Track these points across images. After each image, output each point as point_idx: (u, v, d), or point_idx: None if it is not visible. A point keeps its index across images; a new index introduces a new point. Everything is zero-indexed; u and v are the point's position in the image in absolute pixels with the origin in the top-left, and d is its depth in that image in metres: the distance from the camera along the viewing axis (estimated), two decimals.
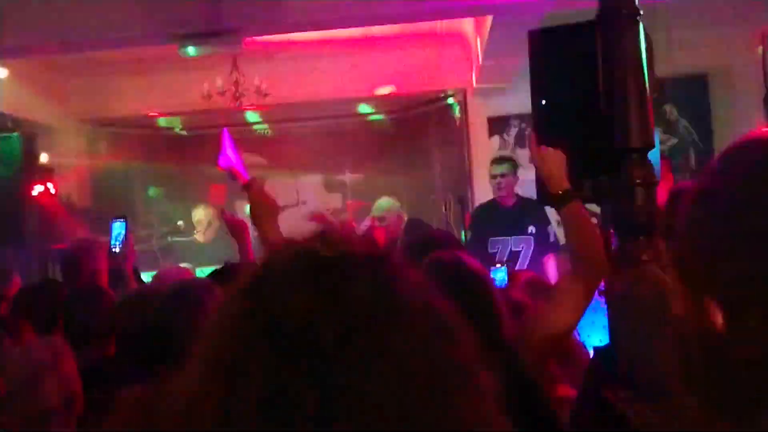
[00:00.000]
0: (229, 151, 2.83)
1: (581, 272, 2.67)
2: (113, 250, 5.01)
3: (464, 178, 9.95)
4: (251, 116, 10.00)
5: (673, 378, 1.84)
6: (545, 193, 3.50)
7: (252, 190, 2.73)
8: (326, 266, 0.90)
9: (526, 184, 6.30)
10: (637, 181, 2.03)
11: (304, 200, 10.76)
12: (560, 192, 2.82)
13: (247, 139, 10.60)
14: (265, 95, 8.33)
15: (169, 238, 10.04)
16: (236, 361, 0.85)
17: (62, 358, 2.65)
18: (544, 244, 6.41)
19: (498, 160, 7.40)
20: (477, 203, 9.49)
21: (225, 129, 2.88)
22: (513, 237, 6.44)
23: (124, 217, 5.11)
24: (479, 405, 0.89)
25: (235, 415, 0.82)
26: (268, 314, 0.87)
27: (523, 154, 9.41)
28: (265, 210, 2.68)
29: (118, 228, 5.05)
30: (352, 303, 0.87)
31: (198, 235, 10.22)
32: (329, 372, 0.83)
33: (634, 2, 2.24)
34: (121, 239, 5.00)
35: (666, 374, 1.87)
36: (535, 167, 3.13)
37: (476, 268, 2.69)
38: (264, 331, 0.86)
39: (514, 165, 6.97)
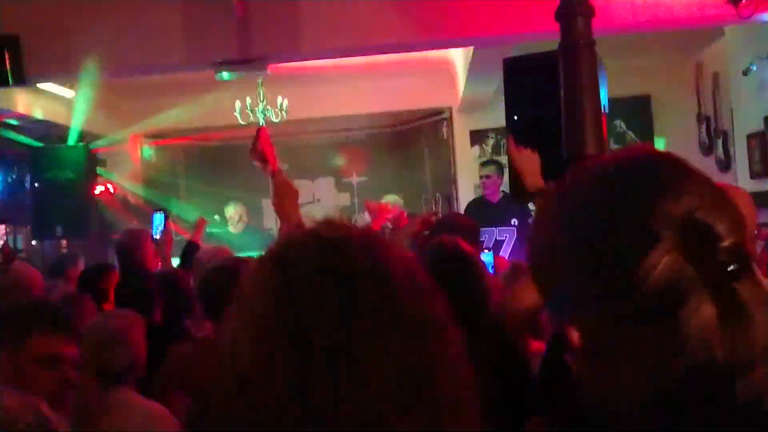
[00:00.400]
0: (265, 144, 2.83)
1: None
2: (154, 237, 5.04)
3: (450, 180, 10.00)
4: (275, 129, 10.01)
5: None
6: (518, 189, 3.55)
7: (277, 177, 2.71)
8: (328, 244, 0.95)
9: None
10: None
11: (319, 198, 10.77)
12: (537, 189, 2.85)
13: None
14: (286, 111, 8.37)
15: (207, 230, 10.06)
16: (264, 315, 0.91)
17: (134, 327, 2.66)
18: (525, 234, 6.49)
19: (485, 163, 7.55)
20: (460, 201, 9.54)
21: (263, 127, 2.87)
22: (498, 228, 6.54)
23: (163, 209, 5.10)
24: (449, 350, 0.93)
25: (263, 359, 0.88)
26: (286, 280, 0.92)
27: (498, 161, 9.48)
28: (287, 192, 2.65)
29: (158, 219, 5.05)
30: (349, 272, 0.91)
31: (230, 228, 10.26)
32: (334, 325, 0.88)
33: (590, 35, 2.28)
34: (160, 229, 5.00)
35: None
36: (512, 166, 3.15)
37: (469, 251, 2.73)
38: (283, 293, 0.91)
39: (500, 167, 7.08)
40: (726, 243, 0.80)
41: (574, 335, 0.84)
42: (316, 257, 0.93)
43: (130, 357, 2.55)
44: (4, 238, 3.29)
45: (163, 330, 3.40)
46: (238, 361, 0.90)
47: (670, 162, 0.89)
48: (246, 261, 2.88)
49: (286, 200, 2.65)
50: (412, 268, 0.98)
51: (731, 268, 0.79)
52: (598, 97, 2.32)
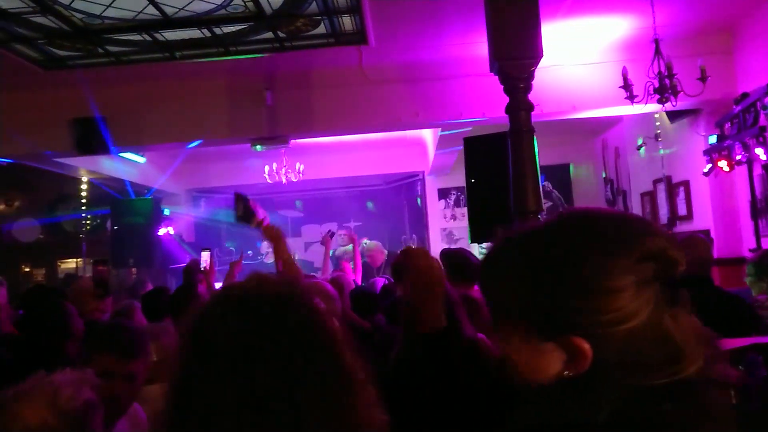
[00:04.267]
0: (257, 207, 2.75)
1: None
2: (202, 269, 5.00)
3: (423, 226, 10.01)
4: (294, 186, 10.05)
5: None
6: (475, 234, 3.54)
7: (264, 225, 2.64)
8: (241, 301, 0.87)
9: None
10: None
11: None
12: None
13: (290, 200, 10.61)
14: (302, 173, 8.39)
15: (245, 261, 9.99)
16: (175, 383, 0.84)
17: (164, 334, 2.40)
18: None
19: None
20: (431, 240, 9.53)
21: (252, 198, 2.77)
22: None
23: (209, 248, 5.07)
24: (358, 397, 0.84)
25: (171, 418, 0.82)
26: (203, 342, 0.85)
27: (459, 212, 9.50)
28: (275, 235, 2.58)
29: (205, 255, 5.02)
30: (260, 322, 0.84)
31: (264, 259, 10.18)
32: (238, 369, 0.80)
33: (530, 123, 2.29)
34: (206, 262, 4.96)
35: None
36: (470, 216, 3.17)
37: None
38: (193, 363, 0.84)
39: None
40: (680, 267, 0.76)
41: (585, 345, 0.74)
42: (227, 323, 0.84)
43: (161, 356, 2.30)
44: (105, 273, 3.20)
45: None
46: (164, 412, 0.84)
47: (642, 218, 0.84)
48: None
49: (275, 241, 2.57)
50: (325, 320, 0.88)
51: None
52: (537, 169, 2.31)
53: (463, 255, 3.06)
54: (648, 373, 0.73)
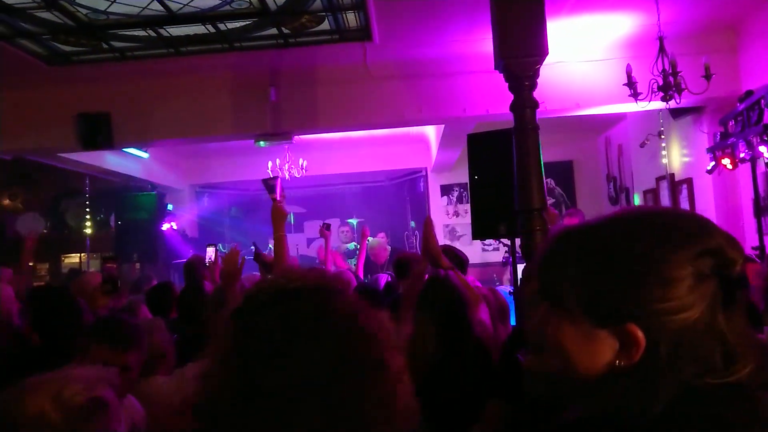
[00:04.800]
0: (279, 185, 2.97)
1: None
2: (207, 263, 5.01)
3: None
4: (297, 182, 10.05)
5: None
6: (477, 230, 3.55)
7: (276, 203, 2.80)
8: (282, 295, 0.88)
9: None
10: (537, 227, 2.06)
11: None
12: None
13: (293, 196, 10.60)
14: (305, 169, 8.40)
15: (246, 257, 9.98)
16: (221, 360, 0.84)
17: (156, 330, 2.50)
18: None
19: None
20: None
21: (279, 178, 3.03)
22: None
23: (214, 244, 5.08)
24: (386, 385, 0.84)
25: (217, 396, 0.82)
26: (243, 328, 0.86)
27: (462, 208, 9.50)
28: (280, 215, 2.74)
29: (210, 250, 5.03)
30: (294, 317, 0.84)
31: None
32: (277, 360, 0.81)
33: (535, 120, 2.30)
34: (211, 258, 4.97)
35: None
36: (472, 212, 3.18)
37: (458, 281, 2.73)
38: (238, 342, 0.85)
39: None
40: (738, 267, 0.77)
41: (639, 333, 0.74)
42: (267, 307, 0.86)
43: (155, 351, 2.39)
44: (114, 270, 3.20)
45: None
46: (203, 391, 0.84)
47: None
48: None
49: (278, 221, 2.73)
50: (356, 312, 0.89)
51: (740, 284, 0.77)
52: (541, 166, 2.32)
53: (451, 249, 3.26)
54: (701, 371, 0.74)
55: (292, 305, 0.86)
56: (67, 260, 10.75)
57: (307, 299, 0.87)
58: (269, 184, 2.98)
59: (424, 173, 10.00)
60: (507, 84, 2.39)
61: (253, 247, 4.00)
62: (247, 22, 4.78)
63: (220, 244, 5.21)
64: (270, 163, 8.38)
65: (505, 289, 5.41)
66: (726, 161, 5.10)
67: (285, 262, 2.73)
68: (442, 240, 9.48)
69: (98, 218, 9.38)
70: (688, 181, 6.38)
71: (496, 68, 2.29)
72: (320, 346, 0.82)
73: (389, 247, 7.00)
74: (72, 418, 1.25)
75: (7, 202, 9.59)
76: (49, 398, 1.25)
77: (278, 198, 2.90)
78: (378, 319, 0.90)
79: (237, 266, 2.65)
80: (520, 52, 2.19)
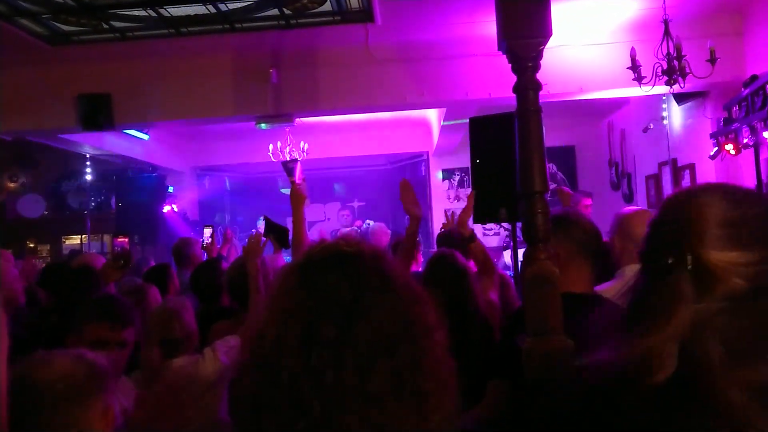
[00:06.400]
0: (298, 168, 3.01)
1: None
2: (203, 244, 5.02)
3: (427, 206, 9.99)
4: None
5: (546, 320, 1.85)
6: (477, 215, 3.56)
7: (295, 186, 2.84)
8: (343, 255, 0.90)
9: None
10: (539, 210, 2.05)
11: (329, 218, 10.78)
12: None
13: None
14: (306, 153, 8.37)
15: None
16: (286, 310, 0.86)
17: (186, 308, 2.52)
18: None
19: None
20: (435, 222, 9.55)
21: (299, 161, 3.07)
22: None
23: (211, 225, 5.09)
24: (435, 349, 0.86)
25: (284, 342, 0.83)
26: (306, 282, 0.87)
27: (463, 192, 9.50)
28: (299, 198, 2.79)
29: (207, 232, 5.03)
30: (360, 276, 0.87)
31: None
32: (341, 321, 0.82)
33: (538, 103, 2.28)
34: (208, 239, 4.98)
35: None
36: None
37: (462, 260, 2.77)
38: (302, 293, 0.86)
39: None
40: None
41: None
42: (332, 266, 0.88)
43: (185, 330, 2.43)
44: (125, 245, 3.21)
45: (209, 311, 3.28)
46: (263, 343, 0.85)
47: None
48: (263, 260, 2.85)
49: (297, 204, 2.80)
50: (410, 279, 0.92)
51: None
52: (543, 149, 2.30)
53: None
54: None
55: (356, 265, 0.88)
56: (68, 241, 10.80)
57: (370, 261, 0.89)
58: (288, 167, 3.00)
59: (425, 157, 9.98)
60: (510, 66, 2.36)
61: (263, 221, 3.98)
62: (249, 3, 4.74)
63: (210, 227, 5.17)
64: (271, 146, 8.37)
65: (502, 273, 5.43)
66: (729, 147, 5.08)
67: (305, 246, 2.73)
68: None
69: (99, 200, 9.40)
70: (691, 167, 6.36)
71: (499, 49, 2.26)
72: (386, 305, 0.84)
73: (389, 231, 6.99)
74: (95, 377, 1.36)
75: (7, 183, 9.59)
76: (73, 360, 1.37)
77: (298, 181, 2.94)
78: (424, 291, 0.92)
79: (260, 245, 2.73)
80: (524, 32, 2.16)
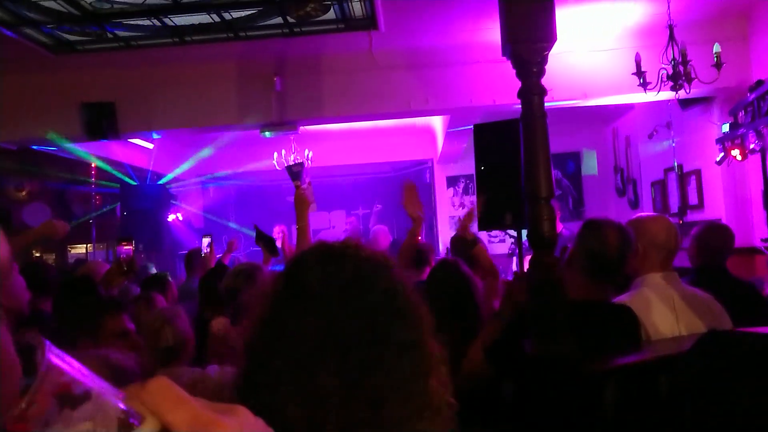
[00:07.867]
0: (304, 174, 2.99)
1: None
2: (202, 253, 5.03)
3: (432, 212, 9.98)
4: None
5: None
6: (482, 221, 3.54)
7: (300, 190, 2.81)
8: (333, 255, 0.88)
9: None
10: (545, 216, 2.04)
11: (333, 225, 10.75)
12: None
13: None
14: (310, 160, 8.36)
15: (251, 248, 10.01)
16: (268, 316, 0.84)
17: (177, 317, 2.44)
18: None
19: None
20: (439, 228, 9.52)
21: (304, 165, 3.06)
22: None
23: (210, 234, 5.10)
24: (432, 355, 0.84)
25: (273, 341, 0.82)
26: (297, 282, 0.86)
27: (468, 199, 9.47)
28: (304, 203, 2.76)
29: (206, 241, 5.04)
30: (345, 273, 0.85)
31: (277, 243, 10.16)
32: (331, 327, 0.80)
33: (543, 108, 2.27)
34: (207, 248, 4.99)
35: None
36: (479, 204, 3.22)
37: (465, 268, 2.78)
38: (287, 297, 0.85)
39: None
40: None
41: None
42: (319, 267, 0.86)
43: (178, 338, 2.36)
44: (130, 252, 3.17)
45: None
46: (250, 347, 0.84)
47: None
48: (259, 269, 2.83)
49: (302, 208, 2.75)
50: (408, 283, 0.89)
51: None
52: (548, 155, 2.29)
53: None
54: None
55: (340, 262, 0.86)
56: (73, 250, 10.80)
57: (354, 257, 0.87)
58: (293, 171, 2.98)
59: (430, 164, 9.96)
60: (514, 72, 2.35)
61: (255, 230, 3.99)
62: (253, 11, 4.75)
63: (209, 236, 5.18)
64: (276, 154, 8.37)
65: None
66: (735, 152, 5.04)
67: None
68: (448, 232, 9.47)
69: (104, 209, 9.41)
70: (697, 173, 6.32)
71: (503, 54, 2.25)
72: (374, 298, 0.83)
73: (391, 237, 6.99)
74: (122, 380, 1.33)
75: (12, 191, 9.61)
76: (98, 362, 1.35)
77: (303, 186, 2.90)
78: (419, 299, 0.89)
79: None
80: (529, 37, 2.14)
